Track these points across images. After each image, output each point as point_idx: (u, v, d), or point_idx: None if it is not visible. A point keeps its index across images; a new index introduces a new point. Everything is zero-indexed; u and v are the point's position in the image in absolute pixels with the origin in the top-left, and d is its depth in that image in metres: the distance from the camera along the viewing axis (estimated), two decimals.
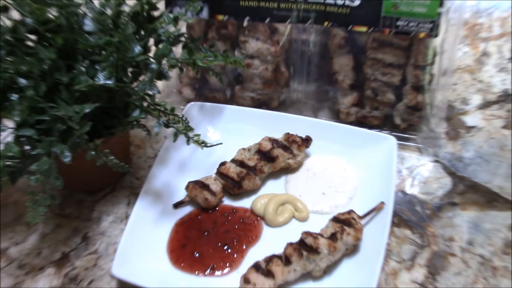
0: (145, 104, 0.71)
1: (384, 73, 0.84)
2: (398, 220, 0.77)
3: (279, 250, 0.69)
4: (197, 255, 0.72)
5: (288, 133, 0.82)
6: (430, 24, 0.78)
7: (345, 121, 0.91)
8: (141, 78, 0.73)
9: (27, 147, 0.67)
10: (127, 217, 0.80)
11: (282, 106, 0.95)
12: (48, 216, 0.81)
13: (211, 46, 0.79)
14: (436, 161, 0.86)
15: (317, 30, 0.87)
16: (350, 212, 0.72)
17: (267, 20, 0.85)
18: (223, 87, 0.95)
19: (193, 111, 0.88)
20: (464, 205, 0.79)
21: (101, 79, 0.66)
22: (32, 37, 0.70)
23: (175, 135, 0.72)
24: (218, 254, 0.72)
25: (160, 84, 0.96)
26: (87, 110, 0.64)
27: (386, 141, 0.81)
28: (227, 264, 0.71)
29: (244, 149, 0.83)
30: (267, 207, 0.76)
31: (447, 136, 0.89)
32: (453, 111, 0.93)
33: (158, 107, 0.71)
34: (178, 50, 0.82)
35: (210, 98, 0.95)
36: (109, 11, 0.74)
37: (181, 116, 0.73)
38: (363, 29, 0.81)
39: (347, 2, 0.80)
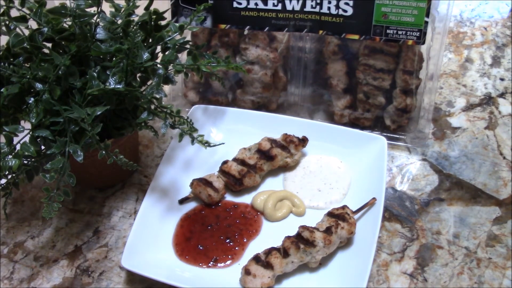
0: (152, 106, 0.70)
1: (375, 78, 0.84)
2: (389, 215, 0.77)
3: (277, 243, 0.69)
4: (201, 247, 0.72)
5: (286, 134, 0.82)
6: (417, 32, 0.78)
7: (339, 123, 0.90)
8: (149, 82, 0.72)
9: (43, 147, 0.67)
10: (135, 212, 0.80)
11: (280, 109, 0.94)
12: (61, 211, 0.80)
13: (214, 53, 0.79)
14: (424, 160, 0.85)
15: (313, 38, 0.86)
16: (344, 207, 0.72)
17: (266, 28, 0.84)
18: (225, 91, 0.94)
19: (198, 113, 0.88)
20: (450, 201, 0.79)
21: (112, 83, 0.65)
22: (48, 45, 0.69)
23: (181, 136, 0.72)
24: (220, 247, 0.72)
25: (166, 88, 0.96)
26: (98, 113, 0.63)
27: (377, 141, 0.80)
28: (229, 256, 0.71)
29: (245, 148, 0.82)
30: (266, 203, 0.76)
31: (434, 136, 0.89)
32: (439, 113, 0.93)
33: (165, 110, 0.71)
34: (183, 57, 0.82)
35: (213, 101, 0.94)
36: (119, 21, 0.73)
37: (186, 118, 0.73)
38: (355, 37, 0.81)
39: (340, 12, 0.79)
